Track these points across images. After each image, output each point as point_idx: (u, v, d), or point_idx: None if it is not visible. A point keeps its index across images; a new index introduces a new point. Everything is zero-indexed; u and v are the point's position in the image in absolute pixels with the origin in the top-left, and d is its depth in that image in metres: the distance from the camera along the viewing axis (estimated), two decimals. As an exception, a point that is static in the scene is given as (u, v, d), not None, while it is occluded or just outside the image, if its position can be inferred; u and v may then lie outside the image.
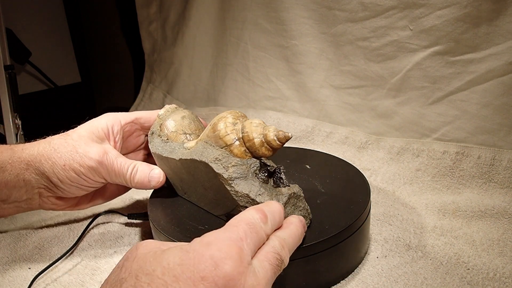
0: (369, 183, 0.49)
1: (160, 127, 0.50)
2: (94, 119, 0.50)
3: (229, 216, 0.42)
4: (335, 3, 0.70)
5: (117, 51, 1.23)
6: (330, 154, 0.57)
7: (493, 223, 0.50)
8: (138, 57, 1.15)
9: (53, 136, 0.48)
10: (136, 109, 1.11)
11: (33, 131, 0.91)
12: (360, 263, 0.45)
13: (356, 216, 0.42)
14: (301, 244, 0.37)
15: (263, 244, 0.33)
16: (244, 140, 0.40)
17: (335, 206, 0.44)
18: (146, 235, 0.54)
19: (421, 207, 0.55)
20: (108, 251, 0.51)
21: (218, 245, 0.29)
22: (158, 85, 1.10)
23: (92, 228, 0.56)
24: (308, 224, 0.41)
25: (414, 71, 0.65)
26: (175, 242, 0.32)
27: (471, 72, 0.60)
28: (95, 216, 0.56)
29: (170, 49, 1.03)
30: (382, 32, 0.66)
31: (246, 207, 0.39)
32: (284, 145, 0.41)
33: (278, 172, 0.41)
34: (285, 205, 0.39)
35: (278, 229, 0.35)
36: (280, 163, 0.42)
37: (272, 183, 0.41)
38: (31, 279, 0.46)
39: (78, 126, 0.49)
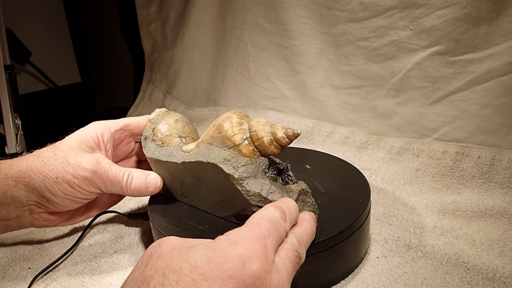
0: (369, 183, 0.49)
1: (153, 131, 0.49)
2: (82, 128, 0.49)
3: (238, 216, 0.42)
4: (335, 3, 0.70)
5: (117, 51, 1.23)
6: (330, 154, 0.57)
7: (493, 223, 0.50)
8: (138, 57, 1.15)
9: (40, 150, 0.46)
10: (136, 109, 1.11)
11: (33, 131, 0.91)
12: (360, 263, 0.45)
13: (356, 216, 0.42)
14: (313, 241, 0.38)
15: (282, 241, 0.33)
16: (253, 139, 0.40)
17: (335, 206, 0.44)
18: (146, 235, 0.54)
19: (421, 207, 0.55)
20: (108, 251, 0.51)
21: (244, 244, 0.30)
22: (158, 85, 1.10)
23: (92, 228, 0.56)
24: (317, 219, 0.41)
25: (414, 71, 0.65)
26: (198, 239, 0.32)
27: (471, 72, 0.60)
28: (95, 216, 0.56)
29: (170, 49, 1.03)
30: (382, 32, 0.66)
31: (258, 206, 0.39)
32: (284, 145, 0.41)
33: (286, 169, 0.41)
34: (296, 201, 0.39)
35: (294, 225, 0.36)
36: (280, 163, 0.43)
37: (280, 181, 0.41)
38: (31, 279, 0.46)
39: (66, 137, 0.47)
